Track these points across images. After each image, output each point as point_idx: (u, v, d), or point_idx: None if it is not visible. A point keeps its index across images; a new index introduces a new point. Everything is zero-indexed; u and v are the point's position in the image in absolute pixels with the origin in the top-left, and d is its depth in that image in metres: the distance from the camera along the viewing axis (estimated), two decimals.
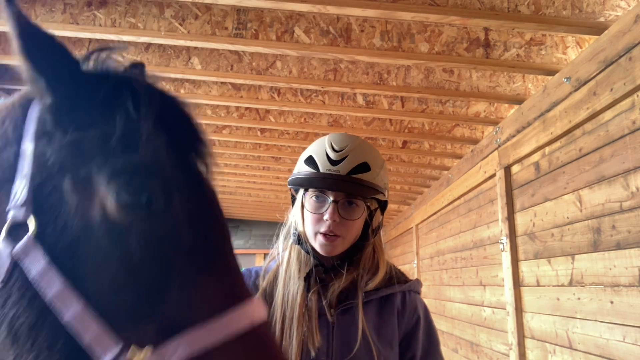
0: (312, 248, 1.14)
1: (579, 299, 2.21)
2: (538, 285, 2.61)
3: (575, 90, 2.22)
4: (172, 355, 0.54)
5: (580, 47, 2.38)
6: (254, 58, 2.84)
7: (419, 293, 1.23)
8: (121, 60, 0.74)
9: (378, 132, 3.64)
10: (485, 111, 3.18)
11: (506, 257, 2.97)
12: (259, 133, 4.05)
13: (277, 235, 1.25)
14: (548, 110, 2.48)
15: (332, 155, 1.11)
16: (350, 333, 1.09)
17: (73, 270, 0.58)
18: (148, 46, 2.81)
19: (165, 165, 0.64)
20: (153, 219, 0.60)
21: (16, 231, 0.59)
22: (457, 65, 2.53)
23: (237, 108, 3.62)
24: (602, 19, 2.03)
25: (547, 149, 2.57)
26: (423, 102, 3.21)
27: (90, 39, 2.76)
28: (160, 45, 2.80)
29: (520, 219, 2.89)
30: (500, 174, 3.11)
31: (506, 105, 3.08)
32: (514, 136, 2.92)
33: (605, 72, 1.99)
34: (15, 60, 0.63)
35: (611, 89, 1.94)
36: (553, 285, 2.45)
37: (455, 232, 4.36)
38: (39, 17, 2.38)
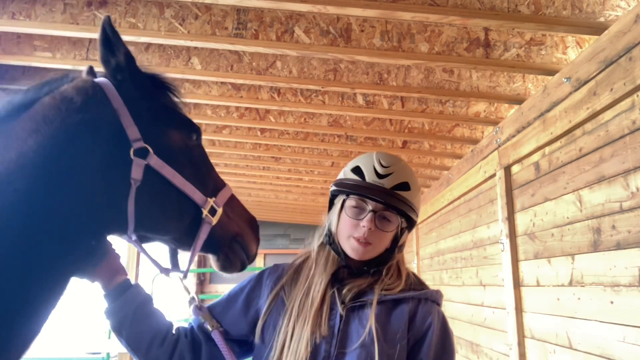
0: (343, 250, 1.24)
1: (579, 299, 2.21)
2: (538, 285, 2.61)
3: (575, 90, 2.22)
4: (221, 199, 1.24)
5: (580, 47, 2.38)
6: (254, 58, 2.84)
7: (437, 303, 1.26)
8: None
9: (378, 132, 3.64)
10: (485, 111, 3.18)
11: (506, 257, 2.97)
12: (259, 133, 4.05)
13: (313, 235, 1.37)
14: (548, 110, 2.48)
15: (379, 169, 1.22)
16: (358, 328, 1.16)
17: (177, 168, 1.16)
18: (148, 46, 2.81)
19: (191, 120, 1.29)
20: (198, 144, 1.28)
21: (139, 153, 1.10)
22: (457, 65, 2.53)
23: (237, 108, 3.62)
24: (602, 19, 2.03)
25: (547, 149, 2.57)
26: (423, 102, 3.21)
27: (90, 39, 2.76)
28: (160, 45, 2.80)
29: (520, 219, 2.89)
30: (500, 174, 3.11)
31: (506, 105, 3.08)
32: (514, 136, 2.92)
33: (605, 72, 1.99)
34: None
35: (611, 89, 1.94)
36: (553, 285, 2.45)
37: (455, 232, 4.36)
38: (39, 17, 2.38)
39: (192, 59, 2.83)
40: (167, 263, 1.28)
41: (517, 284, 2.84)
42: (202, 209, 1.18)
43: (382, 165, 1.22)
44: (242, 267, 1.28)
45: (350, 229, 1.21)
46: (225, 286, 9.35)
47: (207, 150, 1.54)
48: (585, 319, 2.15)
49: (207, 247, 1.22)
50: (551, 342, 2.44)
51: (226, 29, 2.43)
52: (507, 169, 3.07)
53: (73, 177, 1.00)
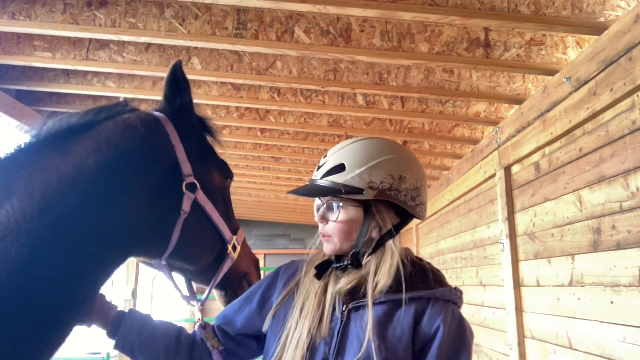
0: None
1: (579, 299, 2.21)
2: (538, 285, 2.61)
3: (575, 90, 2.22)
4: (240, 238, 1.39)
5: (580, 47, 2.38)
6: (254, 58, 2.84)
7: (452, 302, 1.14)
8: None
9: (378, 132, 3.64)
10: (485, 111, 3.18)
11: (506, 257, 2.97)
12: (259, 133, 4.05)
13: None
14: (548, 110, 2.48)
15: (321, 161, 1.19)
16: (358, 332, 1.09)
17: (215, 205, 1.29)
18: (148, 46, 2.81)
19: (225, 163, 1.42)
20: (229, 186, 1.43)
21: (190, 187, 1.21)
22: (457, 65, 2.53)
23: (237, 108, 3.62)
24: (602, 19, 2.03)
25: (547, 149, 2.57)
26: (423, 102, 3.21)
27: (90, 39, 2.76)
28: (160, 45, 2.80)
29: (520, 219, 2.89)
30: (500, 174, 3.11)
31: (506, 105, 3.08)
32: (514, 136, 2.92)
33: (605, 72, 1.99)
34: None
35: (611, 89, 1.94)
36: (553, 285, 2.45)
37: (455, 232, 4.36)
38: (38, 17, 2.38)
39: (192, 59, 2.83)
40: (183, 290, 1.39)
41: (517, 284, 2.84)
42: (228, 245, 1.33)
43: (324, 157, 1.18)
44: None
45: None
46: None
47: None
48: (585, 319, 2.15)
49: (221, 281, 1.36)
50: (551, 342, 2.44)
51: (226, 29, 2.43)
52: (507, 169, 3.07)
53: (124, 199, 1.07)
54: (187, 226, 1.20)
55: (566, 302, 2.31)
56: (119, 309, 1.24)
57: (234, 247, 1.35)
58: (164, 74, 2.81)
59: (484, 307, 3.53)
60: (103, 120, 1.12)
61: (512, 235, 2.94)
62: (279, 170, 5.17)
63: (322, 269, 1.19)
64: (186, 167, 1.21)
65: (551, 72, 2.46)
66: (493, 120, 3.18)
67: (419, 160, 1.23)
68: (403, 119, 3.51)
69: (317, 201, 1.18)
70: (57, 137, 1.04)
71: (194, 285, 1.40)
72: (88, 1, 2.41)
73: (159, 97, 3.50)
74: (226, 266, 1.33)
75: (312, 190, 1.15)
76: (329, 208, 1.16)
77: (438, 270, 1.22)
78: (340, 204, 1.14)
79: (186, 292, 1.37)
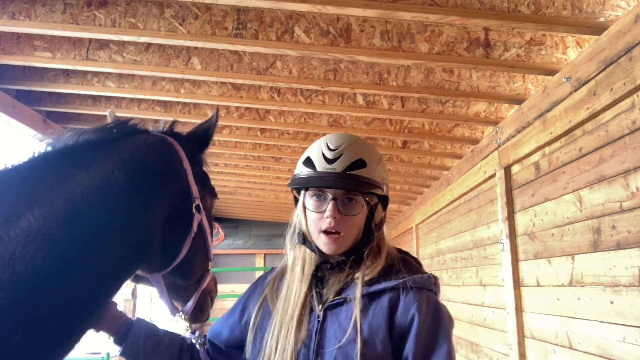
0: (317, 247, 1.16)
1: (579, 299, 2.21)
2: (538, 285, 2.61)
3: (575, 90, 2.22)
4: (211, 257, 1.48)
5: (580, 47, 2.38)
6: (254, 58, 2.84)
7: (427, 289, 1.12)
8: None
9: (378, 132, 3.64)
10: (485, 111, 3.18)
11: (506, 257, 2.97)
12: (259, 133, 4.05)
13: (284, 237, 1.28)
14: (548, 110, 2.48)
15: (327, 154, 1.14)
16: (336, 329, 1.08)
17: (209, 226, 1.43)
18: (148, 46, 2.81)
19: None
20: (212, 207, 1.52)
21: (197, 209, 1.33)
22: (457, 65, 2.53)
23: (237, 108, 3.62)
24: (602, 19, 2.03)
25: (547, 149, 2.57)
26: (423, 102, 3.21)
27: (90, 39, 2.76)
28: (160, 45, 2.80)
29: (520, 219, 2.89)
30: (500, 174, 3.11)
31: (506, 105, 3.08)
32: (514, 136, 2.92)
33: (605, 72, 1.99)
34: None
35: (611, 89, 1.94)
36: (553, 285, 2.45)
37: (455, 232, 4.36)
38: (38, 17, 2.38)
39: (192, 59, 2.83)
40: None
41: (517, 284, 2.84)
42: (210, 262, 1.45)
43: (330, 149, 1.14)
44: (207, 319, 1.50)
45: (317, 223, 1.14)
46: (228, 286, 9.36)
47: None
48: (585, 319, 2.15)
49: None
50: (551, 342, 2.44)
51: (226, 29, 2.43)
52: (507, 169, 3.07)
53: (146, 214, 1.15)
54: (192, 244, 1.32)
55: (566, 302, 2.31)
56: (126, 317, 1.27)
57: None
58: (164, 74, 2.85)
59: (484, 307, 3.53)
60: (119, 138, 1.18)
61: (512, 235, 2.94)
62: (279, 170, 5.17)
63: (316, 275, 1.18)
64: (195, 190, 1.33)
65: (551, 72, 2.46)
66: (493, 120, 3.18)
67: None
68: (403, 119, 3.51)
69: (328, 195, 1.13)
70: (74, 150, 1.09)
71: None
72: (88, 1, 2.41)
73: (159, 97, 3.48)
74: (206, 281, 1.45)
75: (355, 185, 1.11)
76: (346, 202, 1.13)
77: (415, 259, 1.23)
78: (367, 199, 1.15)
79: (171, 305, 1.45)
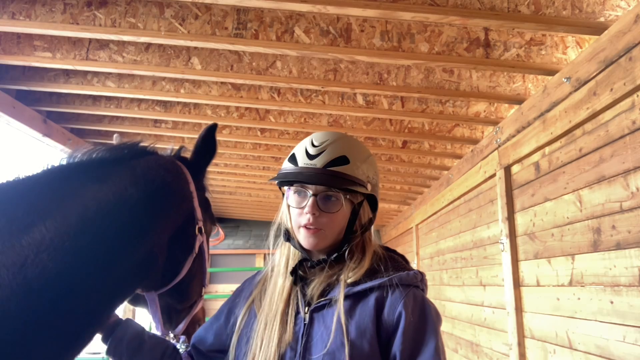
0: (299, 242, 1.14)
1: (579, 299, 2.21)
2: (538, 285, 2.61)
3: (575, 90, 2.22)
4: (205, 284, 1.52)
5: (580, 47, 2.38)
6: (254, 58, 2.84)
7: (414, 286, 1.09)
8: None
9: (378, 132, 3.64)
10: (485, 111, 3.18)
11: (506, 257, 2.97)
12: (259, 133, 4.05)
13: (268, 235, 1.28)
14: (548, 110, 2.48)
15: (310, 150, 1.13)
16: (322, 332, 1.06)
17: (206, 248, 1.45)
18: (148, 46, 2.81)
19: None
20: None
21: (200, 231, 1.38)
22: (457, 65, 2.53)
23: (237, 108, 3.62)
24: (602, 19, 2.03)
25: (547, 149, 2.57)
26: (423, 102, 3.21)
27: (90, 39, 2.76)
28: (160, 45, 2.80)
29: (520, 219, 2.89)
30: (500, 174, 3.11)
31: (506, 105, 3.08)
32: (514, 136, 2.92)
33: (605, 72, 1.99)
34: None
35: (611, 89, 1.94)
36: (553, 285, 2.45)
37: (455, 232, 4.36)
38: (39, 17, 2.38)
39: (192, 59, 2.83)
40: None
41: (517, 284, 2.84)
42: (204, 288, 1.49)
43: (314, 146, 1.13)
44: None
45: (298, 220, 1.12)
46: (228, 286, 9.36)
47: None
48: (585, 319, 2.15)
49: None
50: (551, 342, 2.44)
51: (226, 29, 2.42)
52: (507, 169, 3.07)
53: (154, 230, 1.18)
54: (192, 265, 1.37)
55: (566, 302, 2.31)
56: (117, 317, 1.25)
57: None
58: (164, 74, 2.85)
59: (484, 307, 3.53)
60: (131, 157, 1.23)
61: (512, 235, 2.94)
62: (279, 170, 5.16)
63: (296, 272, 1.16)
64: (199, 213, 1.39)
65: (551, 72, 2.45)
66: (493, 120, 3.18)
67: None
68: (403, 119, 3.51)
69: (309, 191, 1.11)
70: (89, 166, 1.13)
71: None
72: (88, 1, 2.41)
73: (159, 97, 3.49)
74: (198, 306, 1.48)
75: (334, 182, 1.08)
76: (326, 199, 1.11)
77: (401, 257, 1.21)
78: (348, 196, 1.12)
79: (162, 326, 1.46)
